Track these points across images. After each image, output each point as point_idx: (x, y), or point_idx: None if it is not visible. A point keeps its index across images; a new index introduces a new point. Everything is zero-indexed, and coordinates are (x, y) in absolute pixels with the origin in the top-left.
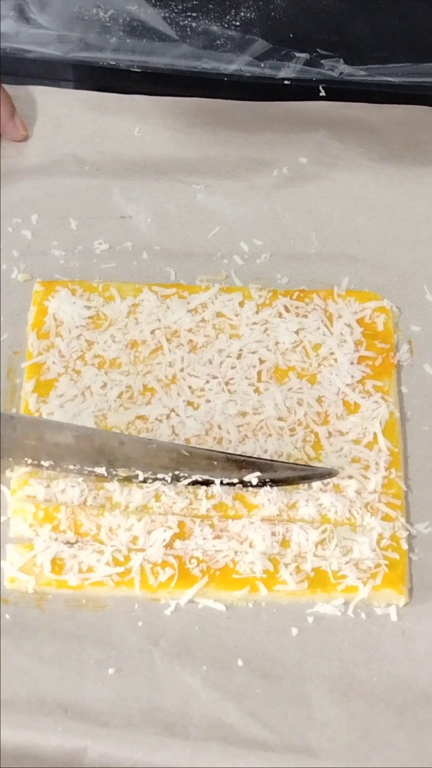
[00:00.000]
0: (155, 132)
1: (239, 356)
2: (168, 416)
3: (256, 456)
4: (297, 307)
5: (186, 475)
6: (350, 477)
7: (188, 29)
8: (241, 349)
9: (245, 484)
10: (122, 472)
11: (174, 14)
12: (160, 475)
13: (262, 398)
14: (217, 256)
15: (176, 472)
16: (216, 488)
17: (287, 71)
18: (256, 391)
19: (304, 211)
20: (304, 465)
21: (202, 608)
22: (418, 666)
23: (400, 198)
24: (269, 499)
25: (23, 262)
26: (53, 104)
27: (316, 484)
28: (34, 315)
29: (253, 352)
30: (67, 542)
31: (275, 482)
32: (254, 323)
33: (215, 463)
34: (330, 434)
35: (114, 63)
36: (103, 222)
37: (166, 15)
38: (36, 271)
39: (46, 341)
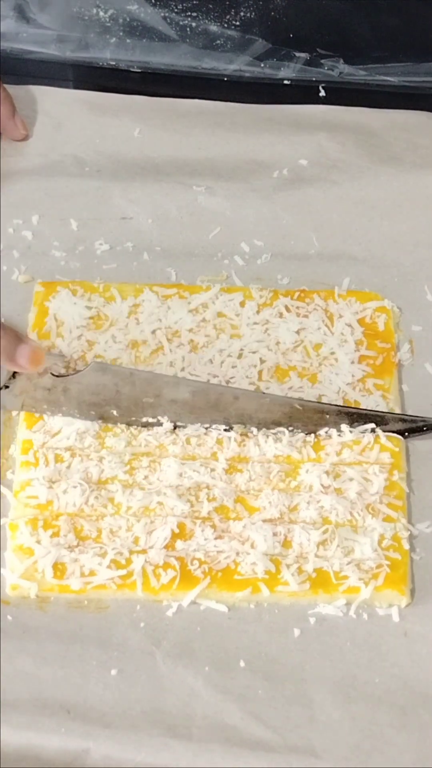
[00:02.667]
0: (155, 133)
1: (240, 356)
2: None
3: (368, 408)
4: (298, 307)
5: (298, 428)
6: (351, 479)
7: (188, 29)
8: (241, 349)
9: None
10: (237, 429)
11: (174, 14)
12: (273, 430)
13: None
14: (218, 256)
15: (289, 427)
16: (217, 491)
17: (287, 71)
18: (257, 390)
19: (305, 213)
20: (414, 416)
21: (204, 609)
22: (420, 667)
23: (400, 200)
24: (270, 501)
25: (24, 263)
26: (53, 104)
27: (317, 486)
28: (35, 315)
29: (254, 352)
30: (69, 546)
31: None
32: (255, 323)
33: (327, 416)
34: (330, 434)
35: (114, 63)
36: (103, 223)
37: (166, 15)
38: (36, 272)
39: (46, 342)
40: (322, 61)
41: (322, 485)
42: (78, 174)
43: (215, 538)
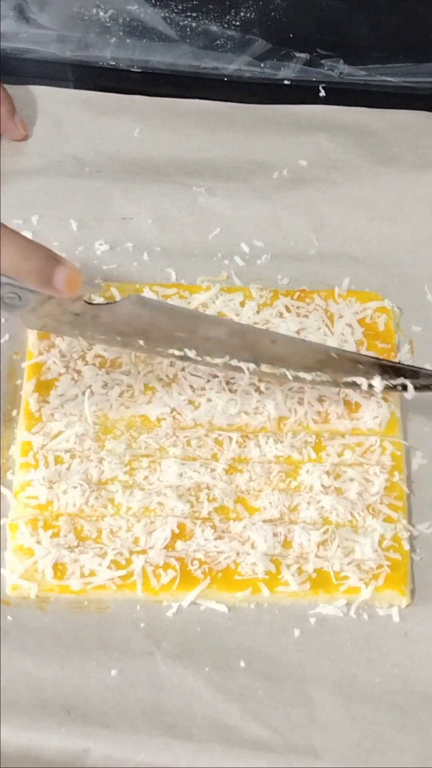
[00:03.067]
0: (155, 133)
1: None
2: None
3: (402, 363)
4: (298, 307)
5: (327, 376)
6: (351, 479)
7: (188, 29)
8: None
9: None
10: (266, 368)
11: (174, 14)
12: (302, 374)
13: (262, 397)
14: (218, 257)
15: (319, 373)
16: (217, 491)
17: (287, 71)
18: (257, 390)
19: (305, 213)
20: None
21: (204, 610)
22: (420, 667)
23: (400, 200)
24: (270, 502)
25: None
26: (53, 104)
27: (317, 486)
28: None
29: None
30: (69, 547)
31: (416, 388)
32: (255, 323)
33: (360, 366)
34: (331, 435)
35: (114, 63)
36: (103, 223)
37: (166, 15)
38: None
39: (46, 341)
40: (322, 61)
41: (322, 485)
42: (78, 174)
43: (215, 539)
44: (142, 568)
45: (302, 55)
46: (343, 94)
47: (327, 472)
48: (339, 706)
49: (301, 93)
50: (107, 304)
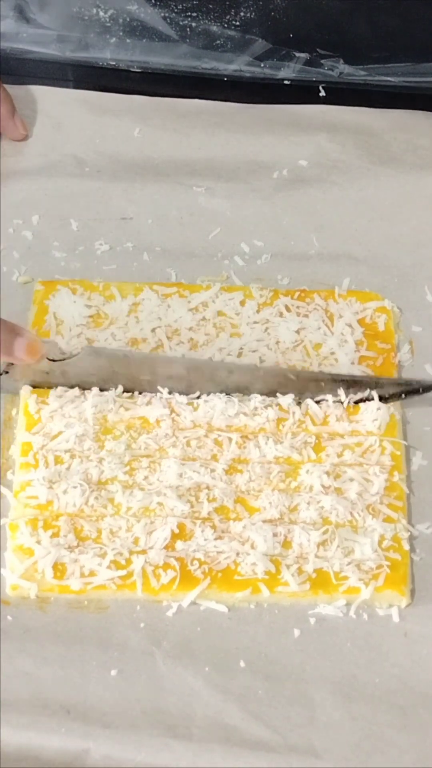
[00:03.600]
0: (155, 133)
1: (240, 355)
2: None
3: (364, 375)
4: (298, 307)
5: (297, 397)
6: (351, 480)
7: (188, 29)
8: (241, 348)
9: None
10: (236, 397)
11: (174, 14)
12: (273, 400)
13: (262, 398)
14: (218, 257)
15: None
16: (217, 491)
17: (287, 71)
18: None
19: (305, 213)
20: (408, 379)
21: (204, 610)
22: (420, 667)
23: (400, 200)
24: (270, 502)
25: (24, 264)
26: (53, 104)
27: (317, 486)
28: (35, 314)
29: (254, 351)
30: (69, 547)
31: (382, 399)
32: (255, 322)
33: (322, 384)
34: (331, 436)
35: (114, 63)
36: (103, 223)
37: (166, 15)
38: (37, 273)
39: (45, 339)
40: (322, 61)
41: (322, 486)
42: (78, 174)
43: (215, 539)
44: (142, 568)
45: (302, 55)
46: (343, 94)
47: (327, 473)
48: (339, 706)
49: (301, 93)
50: (68, 358)
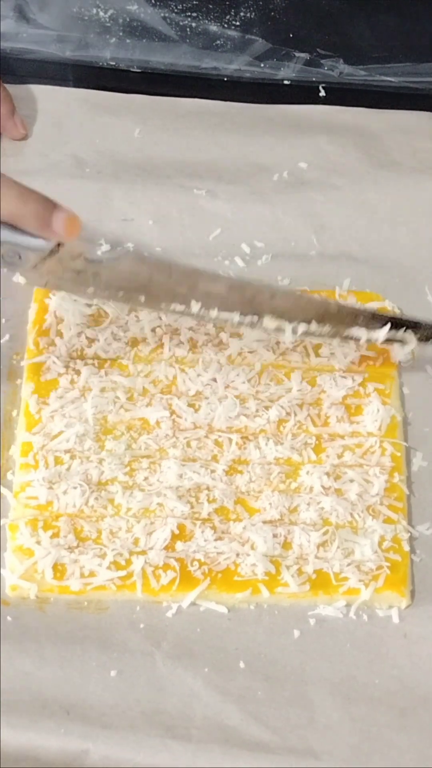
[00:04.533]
0: (155, 133)
1: (239, 354)
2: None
3: (399, 316)
4: None
5: (326, 328)
6: (351, 481)
7: (188, 29)
8: (241, 348)
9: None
10: (268, 322)
11: (174, 14)
12: (304, 327)
13: (261, 403)
14: (219, 258)
15: (322, 327)
16: (217, 492)
17: (287, 71)
18: (256, 396)
19: (305, 215)
20: None
21: (204, 610)
22: (420, 668)
23: (399, 202)
24: (270, 503)
25: None
26: (53, 104)
27: (317, 487)
28: (35, 313)
29: (252, 352)
30: (68, 547)
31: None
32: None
33: (360, 319)
34: (331, 437)
35: (114, 63)
36: (104, 224)
37: (166, 15)
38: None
39: (46, 338)
40: (322, 61)
41: (322, 487)
42: (79, 175)
43: (215, 540)
44: (142, 569)
45: (302, 55)
46: (343, 94)
47: (327, 474)
48: (338, 708)
49: (301, 93)
50: (107, 260)
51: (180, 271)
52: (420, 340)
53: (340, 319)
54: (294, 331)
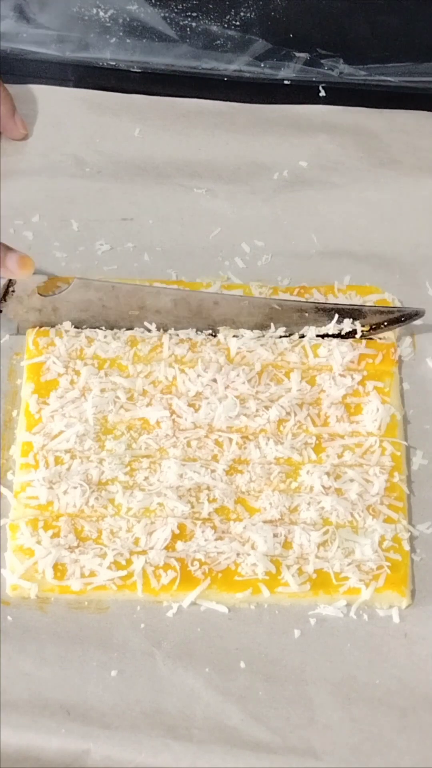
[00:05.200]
0: (155, 133)
1: (238, 354)
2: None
3: (344, 304)
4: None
5: (281, 328)
6: (352, 480)
7: (188, 29)
8: (239, 348)
9: (337, 335)
10: (223, 330)
11: (174, 14)
12: (256, 332)
13: (261, 403)
14: (219, 257)
15: (271, 328)
16: (217, 492)
17: (287, 71)
18: (256, 396)
19: (305, 214)
20: (392, 307)
21: (205, 610)
22: (420, 668)
23: (400, 201)
24: (270, 502)
25: None
26: (53, 104)
27: (318, 487)
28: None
29: (251, 351)
30: (69, 547)
31: (367, 329)
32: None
33: (306, 314)
34: (331, 437)
35: (114, 63)
36: (104, 224)
37: (166, 15)
38: (37, 273)
39: (45, 338)
40: (322, 61)
41: (322, 486)
42: (79, 175)
43: (215, 539)
44: (143, 569)
45: (302, 55)
46: (343, 94)
47: (327, 473)
48: (339, 708)
49: (301, 93)
50: (58, 292)
51: (125, 291)
52: (370, 330)
53: (286, 315)
54: (252, 337)
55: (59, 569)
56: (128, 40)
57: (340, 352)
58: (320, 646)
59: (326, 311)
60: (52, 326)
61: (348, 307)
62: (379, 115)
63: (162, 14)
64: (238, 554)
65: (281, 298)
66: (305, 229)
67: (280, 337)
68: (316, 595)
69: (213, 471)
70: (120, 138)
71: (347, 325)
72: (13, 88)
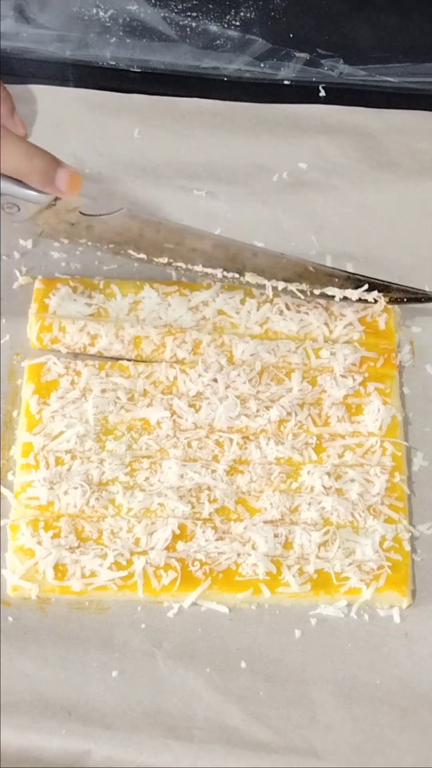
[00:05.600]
0: (155, 133)
1: (232, 353)
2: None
3: (375, 277)
4: (298, 305)
5: (308, 288)
6: (352, 480)
7: (188, 29)
8: (242, 351)
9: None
10: (250, 278)
11: (174, 14)
12: (283, 285)
13: (262, 403)
14: None
15: (299, 285)
16: (218, 492)
17: (287, 71)
18: (256, 396)
19: (305, 215)
20: (417, 289)
21: (205, 610)
22: (421, 668)
23: (399, 203)
24: (271, 502)
25: (24, 264)
26: (53, 104)
27: (318, 487)
28: (35, 311)
29: (252, 354)
30: (69, 547)
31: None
32: (255, 322)
33: (336, 280)
34: (332, 437)
35: (114, 63)
36: None
37: (166, 15)
38: (37, 274)
39: (49, 334)
40: (322, 61)
41: (323, 486)
42: None
43: (216, 540)
44: (143, 569)
45: (302, 55)
46: (343, 94)
47: (328, 473)
48: (340, 707)
49: (301, 93)
50: (100, 215)
51: (169, 228)
52: (390, 302)
53: (317, 278)
54: (273, 288)
55: (60, 570)
56: (128, 40)
57: (342, 354)
58: (321, 646)
59: (354, 281)
60: (76, 240)
61: (376, 281)
62: (378, 116)
63: (162, 14)
64: (238, 554)
65: (316, 262)
66: (305, 230)
67: (301, 291)
68: (316, 595)
69: (213, 471)
70: (120, 138)
71: (371, 295)
72: (13, 88)
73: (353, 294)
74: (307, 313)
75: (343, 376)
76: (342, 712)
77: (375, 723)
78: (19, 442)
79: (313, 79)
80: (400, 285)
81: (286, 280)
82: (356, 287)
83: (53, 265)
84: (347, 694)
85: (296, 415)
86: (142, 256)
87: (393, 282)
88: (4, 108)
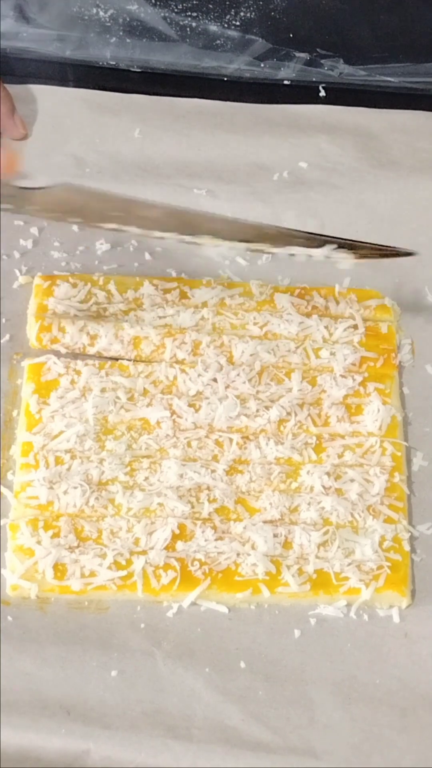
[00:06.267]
0: (155, 133)
1: (230, 353)
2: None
3: (338, 237)
4: (298, 305)
5: (268, 248)
6: (352, 480)
7: (188, 29)
8: (242, 351)
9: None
10: (203, 240)
11: (174, 14)
12: (240, 245)
13: (262, 403)
14: (219, 257)
15: (260, 246)
16: (217, 492)
17: (287, 71)
18: (256, 396)
19: (305, 215)
20: (383, 245)
21: (205, 610)
22: (420, 668)
23: (399, 203)
24: (271, 502)
25: (25, 264)
26: (53, 104)
27: (318, 487)
28: (35, 308)
29: (252, 354)
30: (69, 547)
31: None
32: (255, 322)
33: (297, 240)
34: (332, 437)
35: (114, 63)
36: None
37: (166, 15)
38: (37, 273)
39: (48, 334)
40: (322, 61)
41: (323, 486)
42: (79, 175)
43: (216, 539)
44: (143, 569)
45: (302, 55)
46: (343, 94)
47: (327, 473)
48: (339, 707)
49: (301, 93)
50: (38, 188)
51: (115, 198)
52: (359, 257)
53: (278, 239)
54: (232, 248)
55: (59, 569)
56: (128, 40)
57: (342, 355)
58: (320, 646)
59: (316, 239)
60: (20, 212)
61: (340, 240)
62: (379, 116)
63: (162, 14)
64: (238, 554)
65: (275, 226)
66: (305, 229)
67: (265, 253)
68: (316, 595)
69: (213, 471)
70: (120, 138)
71: (336, 253)
72: (13, 88)
73: (317, 252)
74: (308, 315)
75: (342, 376)
76: (341, 712)
77: (374, 723)
78: (18, 441)
79: (313, 79)
80: (366, 242)
81: (245, 242)
82: (319, 244)
83: (53, 265)
84: (346, 694)
85: (296, 415)
86: (87, 223)
87: (358, 240)
88: (4, 108)
